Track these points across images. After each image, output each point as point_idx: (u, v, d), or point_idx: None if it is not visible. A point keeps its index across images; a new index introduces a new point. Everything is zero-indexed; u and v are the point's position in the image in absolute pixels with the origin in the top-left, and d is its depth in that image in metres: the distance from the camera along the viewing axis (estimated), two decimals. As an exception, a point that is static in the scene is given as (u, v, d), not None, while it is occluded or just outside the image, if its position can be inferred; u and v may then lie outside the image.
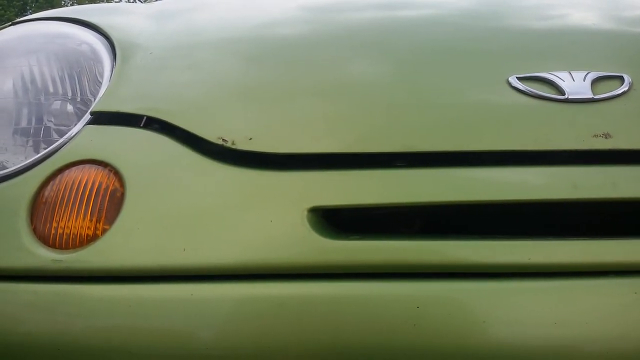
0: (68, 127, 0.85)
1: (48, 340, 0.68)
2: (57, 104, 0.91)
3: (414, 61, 0.89)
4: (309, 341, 0.66)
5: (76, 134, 0.82)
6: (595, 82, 0.79)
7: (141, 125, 0.81)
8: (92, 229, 0.72)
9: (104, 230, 0.72)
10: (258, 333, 0.66)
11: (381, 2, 1.11)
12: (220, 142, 0.76)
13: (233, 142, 0.76)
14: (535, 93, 0.78)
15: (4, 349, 0.69)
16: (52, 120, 0.89)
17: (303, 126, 0.79)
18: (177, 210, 0.72)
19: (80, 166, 0.77)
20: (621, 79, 0.80)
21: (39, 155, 0.81)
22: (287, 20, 1.06)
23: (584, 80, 0.79)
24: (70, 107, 0.90)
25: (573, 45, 0.92)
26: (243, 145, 0.76)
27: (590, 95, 0.77)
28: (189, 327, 0.67)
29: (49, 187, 0.76)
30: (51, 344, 0.68)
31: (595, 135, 0.74)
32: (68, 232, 0.72)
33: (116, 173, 0.75)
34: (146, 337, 0.67)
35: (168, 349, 0.67)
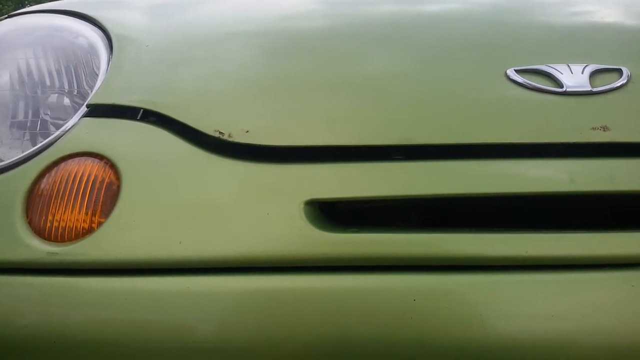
0: (65, 120, 0.85)
1: (43, 333, 0.68)
2: (53, 97, 0.91)
3: (412, 54, 0.89)
4: (305, 334, 0.66)
5: (72, 126, 0.81)
6: (593, 74, 0.79)
7: (138, 118, 0.81)
8: (87, 222, 0.72)
9: (100, 223, 0.71)
10: (255, 326, 0.66)
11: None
12: (217, 134, 0.76)
13: (230, 134, 0.76)
14: (534, 86, 0.78)
15: None
16: (49, 113, 0.89)
17: (300, 119, 0.79)
18: (173, 203, 0.72)
19: (77, 159, 0.77)
20: (620, 71, 0.80)
21: (35, 147, 0.81)
22: (282, 13, 1.06)
23: (583, 73, 0.79)
24: (66, 100, 0.90)
25: (571, 38, 0.92)
26: (240, 137, 0.76)
27: (588, 88, 0.77)
28: (185, 320, 0.67)
29: (44, 180, 0.75)
30: (47, 336, 0.68)
31: (593, 128, 0.73)
32: (64, 225, 0.72)
33: (112, 166, 0.75)
34: (142, 330, 0.67)
35: (164, 342, 0.67)
